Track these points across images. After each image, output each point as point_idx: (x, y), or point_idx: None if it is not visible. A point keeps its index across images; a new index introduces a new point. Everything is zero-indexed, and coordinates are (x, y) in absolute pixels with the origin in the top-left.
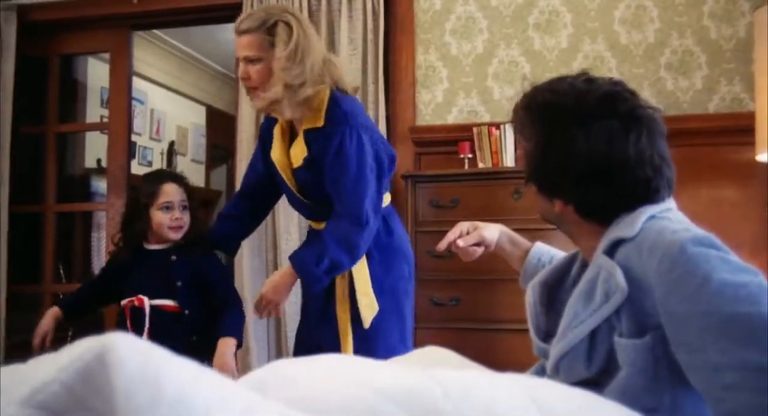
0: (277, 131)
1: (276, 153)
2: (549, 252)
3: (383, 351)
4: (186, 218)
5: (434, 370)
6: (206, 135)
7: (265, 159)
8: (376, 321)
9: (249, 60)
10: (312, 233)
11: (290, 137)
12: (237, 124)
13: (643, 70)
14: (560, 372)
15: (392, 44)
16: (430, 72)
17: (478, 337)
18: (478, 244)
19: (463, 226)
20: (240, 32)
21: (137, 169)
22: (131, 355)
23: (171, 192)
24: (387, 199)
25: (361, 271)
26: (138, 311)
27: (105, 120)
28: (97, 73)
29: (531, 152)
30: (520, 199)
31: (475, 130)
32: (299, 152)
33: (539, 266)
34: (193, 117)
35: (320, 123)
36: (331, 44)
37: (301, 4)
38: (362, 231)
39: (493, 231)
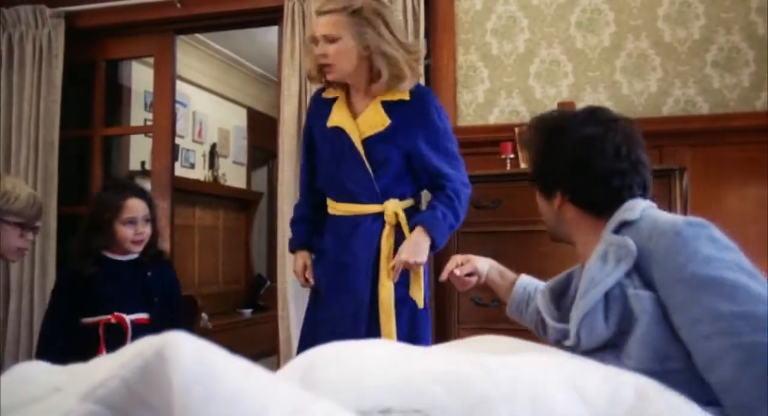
0: (340, 105)
1: (346, 124)
2: (533, 283)
3: (427, 332)
4: (148, 231)
5: (482, 356)
6: (247, 137)
7: (311, 146)
8: (424, 302)
9: (327, 39)
10: (311, 217)
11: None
12: (279, 125)
13: (689, 68)
14: (582, 337)
15: (433, 45)
16: (471, 72)
17: (520, 338)
18: (471, 274)
19: (458, 258)
20: (322, 12)
21: (180, 171)
22: (189, 352)
23: (136, 207)
24: None
25: None
26: (114, 327)
27: (149, 123)
28: (141, 77)
29: (532, 158)
30: None
31: (517, 130)
32: (378, 120)
33: (525, 295)
34: (235, 119)
35: (406, 96)
36: None
37: None
38: (469, 193)
39: (483, 264)
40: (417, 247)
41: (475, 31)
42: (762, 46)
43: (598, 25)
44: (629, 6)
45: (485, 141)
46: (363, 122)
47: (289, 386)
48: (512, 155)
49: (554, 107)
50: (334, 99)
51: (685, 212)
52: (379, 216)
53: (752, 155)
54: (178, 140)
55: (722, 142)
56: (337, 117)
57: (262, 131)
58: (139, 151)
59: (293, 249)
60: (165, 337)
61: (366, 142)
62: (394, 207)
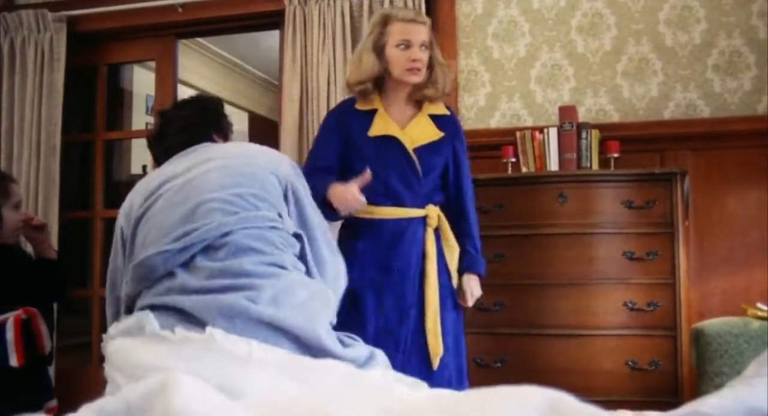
0: (383, 116)
1: (397, 132)
2: None
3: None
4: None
5: None
6: (248, 141)
7: (335, 147)
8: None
9: (425, 46)
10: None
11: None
12: (280, 129)
13: (690, 72)
14: None
15: None
16: (473, 76)
17: (521, 342)
18: None
19: None
20: (421, 22)
21: None
22: (189, 382)
23: (18, 192)
24: None
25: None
26: (26, 324)
27: (150, 127)
28: (142, 81)
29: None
30: (565, 203)
31: (518, 134)
32: (430, 131)
33: None
34: (236, 123)
35: (446, 112)
36: None
37: (343, 10)
38: None
39: None
40: (478, 284)
41: (476, 35)
42: (763, 50)
43: (599, 29)
44: (630, 10)
45: (486, 145)
46: (413, 131)
47: None
48: (513, 159)
49: (555, 110)
50: (371, 111)
51: (686, 216)
52: (422, 220)
53: (753, 159)
54: None
55: (723, 146)
56: (384, 127)
57: (262, 134)
58: (141, 155)
59: (325, 189)
60: (168, 373)
61: (415, 150)
62: (436, 211)
